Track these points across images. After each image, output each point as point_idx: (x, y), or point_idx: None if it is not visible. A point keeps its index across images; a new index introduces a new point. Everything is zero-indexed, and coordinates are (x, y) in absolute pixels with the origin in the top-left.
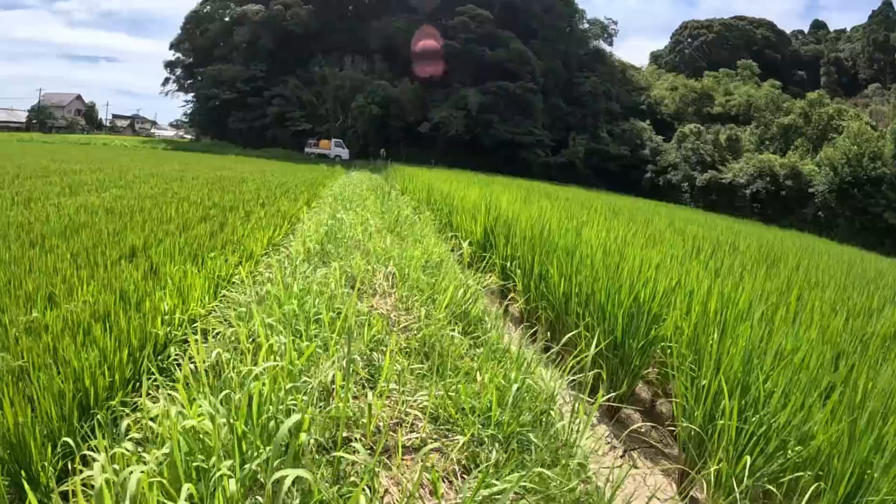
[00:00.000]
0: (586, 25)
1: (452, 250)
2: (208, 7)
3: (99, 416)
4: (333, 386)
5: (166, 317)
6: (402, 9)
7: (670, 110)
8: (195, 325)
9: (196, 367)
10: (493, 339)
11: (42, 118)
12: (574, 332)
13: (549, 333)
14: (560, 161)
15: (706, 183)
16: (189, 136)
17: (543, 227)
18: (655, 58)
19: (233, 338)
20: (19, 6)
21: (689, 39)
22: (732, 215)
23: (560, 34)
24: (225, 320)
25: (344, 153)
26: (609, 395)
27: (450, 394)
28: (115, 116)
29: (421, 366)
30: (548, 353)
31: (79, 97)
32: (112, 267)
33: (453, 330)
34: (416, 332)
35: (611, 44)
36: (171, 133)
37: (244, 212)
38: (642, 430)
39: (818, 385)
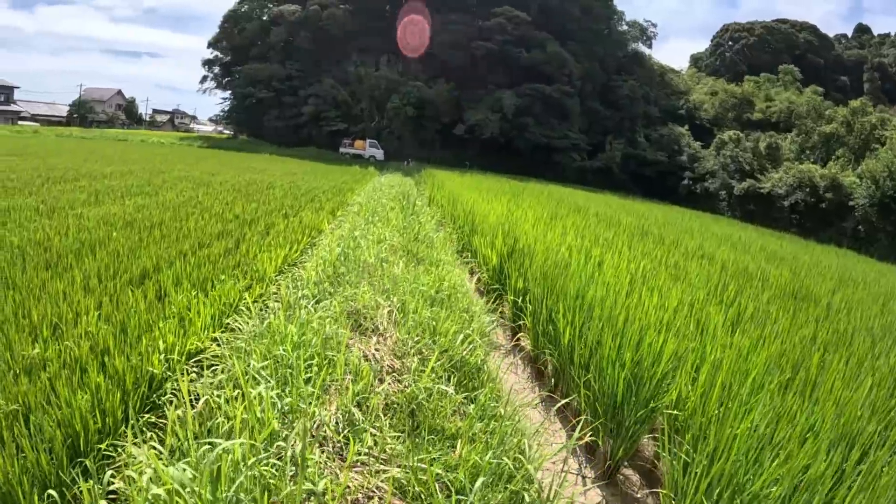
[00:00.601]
0: (625, 27)
1: (471, 272)
2: (245, 7)
3: (87, 463)
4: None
5: (165, 354)
6: (436, 10)
7: (709, 115)
8: (199, 356)
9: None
10: (485, 396)
11: (83, 113)
12: (575, 388)
13: (553, 381)
14: (596, 165)
15: (744, 192)
16: (227, 132)
17: (559, 260)
18: (695, 61)
19: (226, 375)
20: (63, 2)
21: (730, 42)
22: (770, 227)
23: (598, 36)
24: (221, 356)
25: (379, 154)
26: (605, 463)
27: (422, 466)
28: (155, 111)
29: (403, 427)
30: (552, 407)
31: (119, 92)
32: (121, 292)
33: (449, 380)
34: (406, 384)
35: (650, 46)
36: (210, 128)
37: (264, 225)
38: (639, 496)
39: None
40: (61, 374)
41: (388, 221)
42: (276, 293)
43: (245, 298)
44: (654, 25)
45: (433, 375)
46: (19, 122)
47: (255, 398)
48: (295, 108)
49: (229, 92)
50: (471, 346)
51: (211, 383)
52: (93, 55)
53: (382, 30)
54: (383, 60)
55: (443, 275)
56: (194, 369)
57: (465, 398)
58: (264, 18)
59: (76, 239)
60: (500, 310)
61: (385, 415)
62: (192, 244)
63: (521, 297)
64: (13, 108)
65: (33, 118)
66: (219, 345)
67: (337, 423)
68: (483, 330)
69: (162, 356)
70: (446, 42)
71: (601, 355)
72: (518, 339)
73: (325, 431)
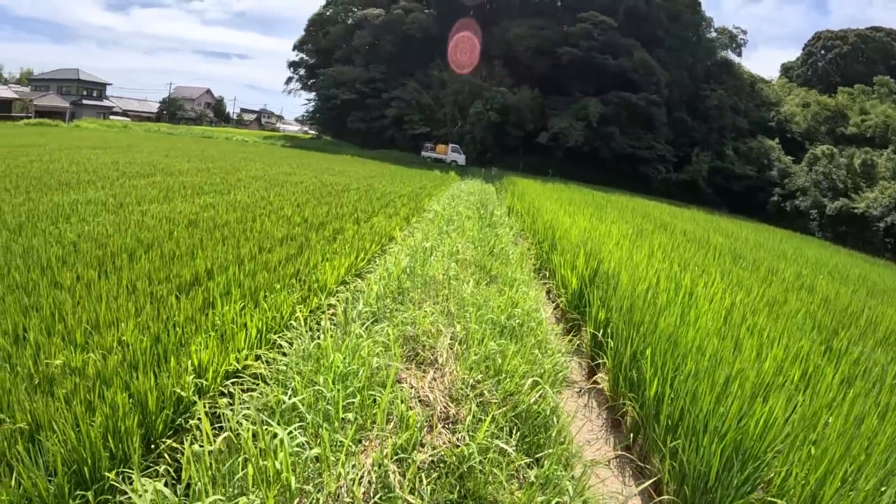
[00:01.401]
0: (713, 34)
1: (548, 293)
2: (330, 10)
3: (89, 496)
4: None
5: (198, 374)
6: (522, 14)
7: (801, 129)
8: (238, 376)
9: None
10: (552, 460)
11: (172, 110)
12: (657, 450)
13: (632, 435)
14: (681, 178)
15: (836, 212)
16: (312, 133)
17: (646, 290)
18: (786, 70)
19: (261, 402)
20: (157, 4)
21: (822, 51)
22: (862, 250)
23: (686, 43)
24: (261, 378)
25: (460, 159)
26: None
27: None
28: (242, 110)
29: (449, 497)
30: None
31: (208, 91)
32: (167, 297)
33: (511, 434)
34: (460, 436)
35: (739, 54)
36: (295, 128)
37: (332, 230)
38: None
39: None
40: (79, 390)
41: (464, 232)
42: (332, 308)
43: (298, 312)
44: (744, 32)
45: (493, 427)
46: (111, 117)
47: (276, 444)
48: (378, 110)
49: (314, 93)
50: (540, 394)
51: (242, 411)
52: (184, 55)
53: None
54: None
55: (516, 298)
56: (231, 390)
57: (527, 462)
58: (349, 22)
59: (134, 237)
60: (577, 341)
61: (428, 477)
62: (252, 248)
63: (601, 330)
64: (105, 103)
65: (125, 113)
66: (265, 362)
67: (369, 484)
68: (556, 371)
69: (193, 376)
70: (531, 47)
71: (695, 418)
72: (595, 378)
73: (350, 497)
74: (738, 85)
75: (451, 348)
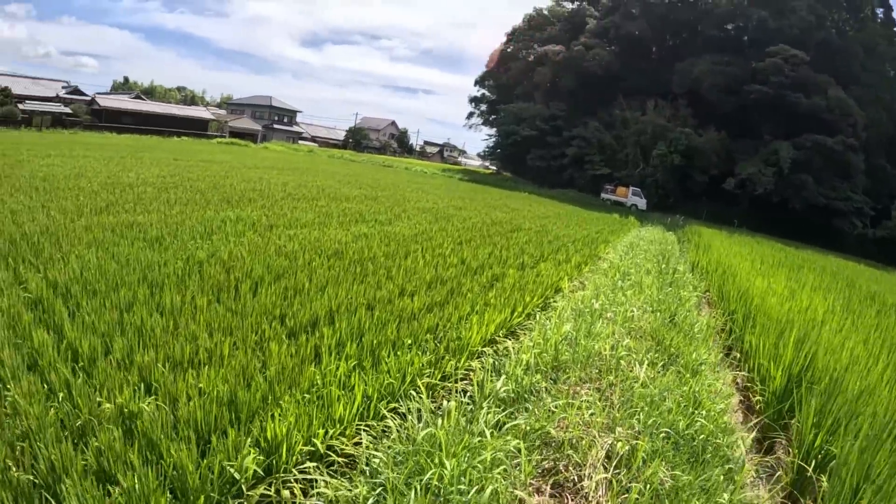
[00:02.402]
0: None
1: (738, 385)
2: (511, 47)
3: None
4: None
5: (265, 452)
6: (706, 49)
7: None
8: (331, 455)
9: None
10: None
11: (358, 138)
12: None
13: None
14: (880, 235)
15: None
16: (493, 168)
17: (886, 414)
18: None
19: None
20: (348, 42)
21: None
22: None
23: (883, 80)
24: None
25: (641, 203)
26: None
27: None
28: (426, 143)
29: None
30: None
31: (393, 123)
32: (272, 340)
33: None
34: None
35: None
36: (476, 163)
37: (490, 276)
38: None
39: None
40: (113, 448)
41: (641, 289)
42: (469, 374)
43: (422, 379)
44: None
45: None
46: (299, 142)
47: None
48: (558, 148)
49: (494, 129)
50: None
51: None
52: (373, 89)
53: (648, 72)
54: (650, 104)
55: (700, 392)
56: (314, 474)
57: None
58: (530, 59)
59: (266, 264)
60: (776, 462)
61: None
62: (392, 290)
63: (813, 461)
64: (294, 128)
65: (313, 139)
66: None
67: None
68: None
69: (258, 453)
70: (717, 85)
71: None
72: None
73: None
74: None
75: (606, 469)
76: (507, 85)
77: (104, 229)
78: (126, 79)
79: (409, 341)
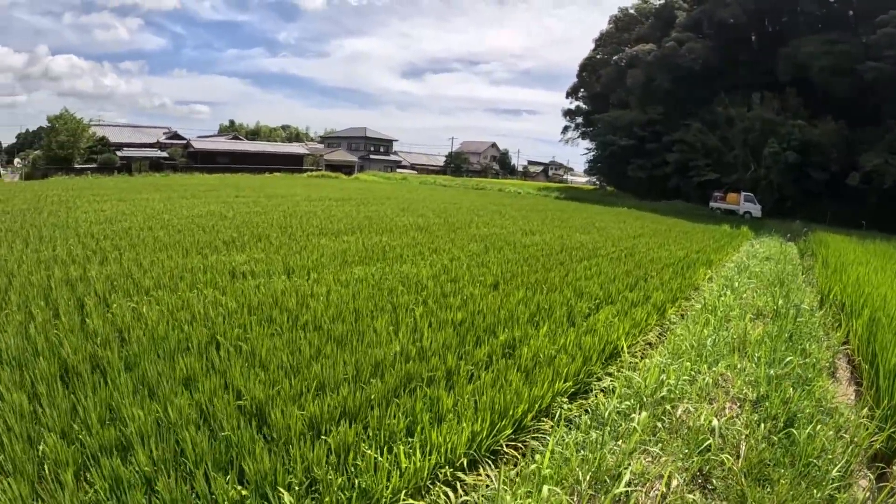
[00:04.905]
0: None
1: None
2: (600, 53)
3: None
4: None
5: None
6: (809, 29)
7: None
8: None
9: None
10: None
11: (458, 163)
12: None
13: None
14: None
15: None
16: (597, 183)
17: None
18: None
19: None
20: (447, 70)
21: None
22: None
23: None
24: None
25: (755, 209)
26: None
27: None
28: (529, 162)
29: None
30: None
31: (493, 145)
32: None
33: None
34: None
35: None
36: (583, 179)
37: (502, 342)
38: None
39: None
40: None
41: (743, 347)
42: None
43: None
44: None
45: None
46: (397, 170)
47: None
48: (659, 156)
49: (593, 141)
50: None
51: None
52: (476, 114)
53: (750, 62)
54: (755, 98)
55: None
56: None
57: None
58: (622, 64)
59: (207, 326)
60: None
61: None
62: (288, 389)
63: None
64: (392, 157)
65: (412, 167)
66: None
67: None
68: None
69: None
70: (827, 67)
71: None
72: None
73: None
74: None
75: None
76: (600, 94)
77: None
78: (232, 122)
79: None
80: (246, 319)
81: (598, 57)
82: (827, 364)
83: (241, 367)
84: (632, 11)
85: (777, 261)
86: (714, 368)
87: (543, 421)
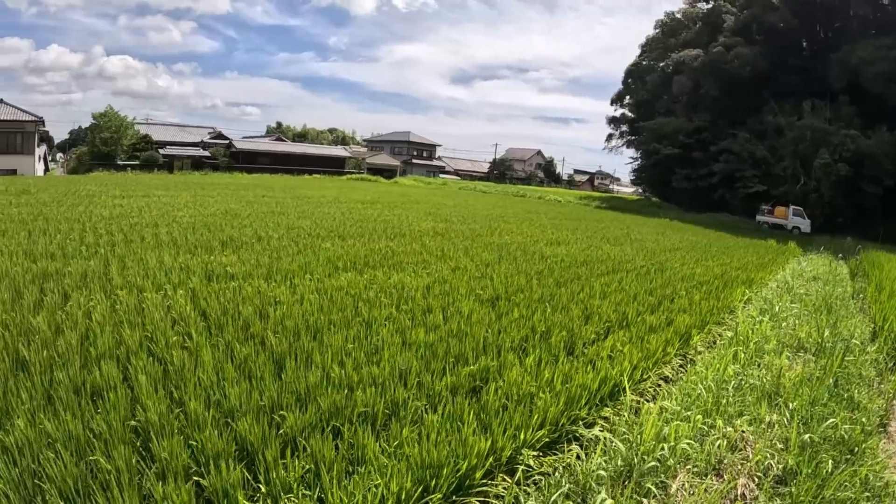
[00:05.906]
0: None
1: None
2: (646, 59)
3: None
4: None
5: None
6: (863, 33)
7: None
8: None
9: None
10: None
11: (502, 169)
12: None
13: None
14: None
15: None
16: (642, 195)
17: None
18: None
19: None
20: (496, 77)
21: None
22: None
23: None
24: None
25: (804, 225)
26: None
27: None
28: (575, 171)
29: None
30: None
31: (539, 152)
32: None
33: None
34: None
35: None
36: (629, 189)
37: (480, 371)
38: None
39: None
40: None
41: (778, 387)
42: None
43: None
44: None
45: None
46: (440, 175)
47: None
48: (705, 166)
49: (638, 151)
50: None
51: None
52: (524, 121)
53: (801, 69)
54: (806, 106)
55: None
56: None
57: None
58: (668, 70)
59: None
60: None
61: None
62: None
63: None
64: (435, 162)
65: (455, 172)
66: None
67: None
68: None
69: None
70: (882, 73)
71: None
72: None
73: None
74: None
75: None
76: (645, 101)
77: None
78: (279, 123)
79: None
80: (193, 326)
81: (644, 63)
82: (879, 417)
83: (123, 391)
84: (678, 16)
85: (825, 281)
86: (733, 423)
87: (501, 479)
